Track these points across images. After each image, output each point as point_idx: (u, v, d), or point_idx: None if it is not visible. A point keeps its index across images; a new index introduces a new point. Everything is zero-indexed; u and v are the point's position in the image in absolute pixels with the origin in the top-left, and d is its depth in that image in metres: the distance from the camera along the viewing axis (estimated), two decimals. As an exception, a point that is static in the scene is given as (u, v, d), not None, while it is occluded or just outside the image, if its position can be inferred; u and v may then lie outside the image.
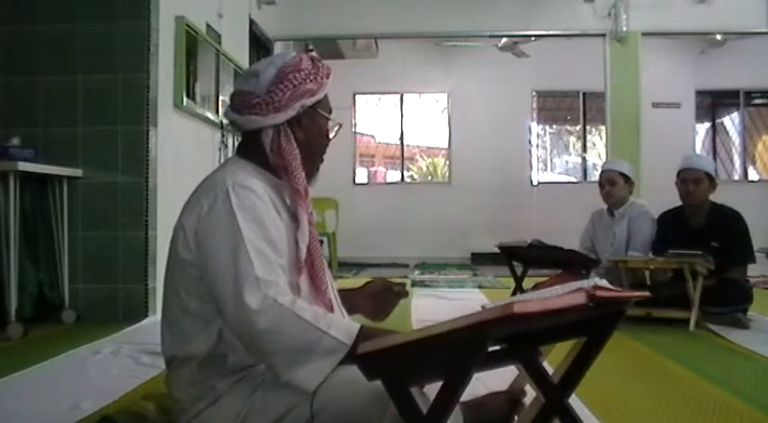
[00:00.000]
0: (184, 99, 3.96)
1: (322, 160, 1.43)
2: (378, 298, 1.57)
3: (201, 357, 1.24)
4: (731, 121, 9.37)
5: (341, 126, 1.45)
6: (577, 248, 3.86)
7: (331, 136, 1.43)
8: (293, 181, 1.31)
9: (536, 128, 9.34)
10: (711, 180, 3.48)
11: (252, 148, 1.35)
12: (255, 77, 1.33)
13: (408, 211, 8.65)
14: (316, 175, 1.42)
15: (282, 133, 1.32)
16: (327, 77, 1.37)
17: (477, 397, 1.49)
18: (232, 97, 1.38)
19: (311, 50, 7.56)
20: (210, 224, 1.22)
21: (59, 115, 3.57)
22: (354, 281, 5.76)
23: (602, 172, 3.97)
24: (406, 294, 1.59)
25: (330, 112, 1.42)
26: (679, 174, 3.55)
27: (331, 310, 1.30)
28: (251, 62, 5.51)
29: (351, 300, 1.55)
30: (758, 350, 2.75)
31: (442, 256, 8.10)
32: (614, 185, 3.81)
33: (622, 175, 3.82)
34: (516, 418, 1.46)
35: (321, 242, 1.47)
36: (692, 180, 3.47)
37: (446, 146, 9.31)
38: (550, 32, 6.78)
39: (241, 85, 1.36)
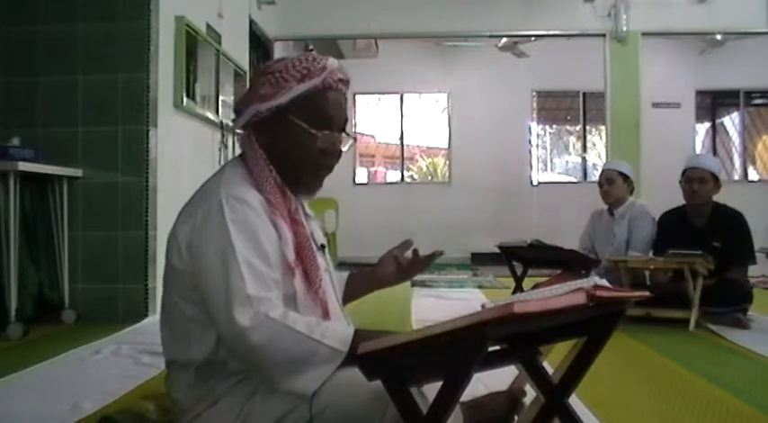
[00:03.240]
0: (184, 99, 3.96)
1: (320, 173, 1.33)
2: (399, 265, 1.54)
3: (201, 362, 1.24)
4: (731, 121, 9.37)
5: (343, 132, 1.33)
6: (577, 249, 3.86)
7: (334, 141, 1.31)
8: (261, 190, 1.26)
9: (536, 128, 9.34)
10: (716, 180, 3.48)
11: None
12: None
13: (408, 211, 8.65)
14: (308, 185, 1.34)
15: (247, 138, 1.32)
16: (302, 81, 1.25)
17: (477, 397, 1.49)
18: None
19: (311, 50, 7.56)
20: (203, 237, 1.20)
21: (59, 115, 3.57)
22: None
23: (602, 171, 3.99)
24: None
25: (327, 122, 1.29)
26: (684, 173, 3.55)
27: (326, 309, 1.28)
28: (251, 62, 5.52)
29: (372, 272, 1.55)
30: (758, 350, 2.76)
31: (441, 256, 8.08)
32: (612, 184, 3.81)
33: (621, 174, 3.83)
34: (516, 418, 1.46)
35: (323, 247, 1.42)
36: (697, 179, 3.47)
37: (446, 146, 9.31)
38: (550, 32, 6.78)
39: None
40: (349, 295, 1.56)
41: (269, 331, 1.10)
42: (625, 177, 3.83)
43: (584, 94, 9.04)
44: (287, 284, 1.23)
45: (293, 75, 1.26)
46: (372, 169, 10.05)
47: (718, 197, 3.57)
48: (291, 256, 1.24)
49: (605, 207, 3.94)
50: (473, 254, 8.24)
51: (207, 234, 1.20)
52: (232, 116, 1.37)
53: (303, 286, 1.26)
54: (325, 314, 1.27)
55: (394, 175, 9.68)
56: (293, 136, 1.28)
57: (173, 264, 1.25)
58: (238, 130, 1.35)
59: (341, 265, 7.00)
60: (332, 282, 1.41)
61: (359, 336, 1.14)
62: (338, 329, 1.17)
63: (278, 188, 1.28)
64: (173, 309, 1.28)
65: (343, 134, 1.34)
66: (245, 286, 1.12)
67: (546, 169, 9.74)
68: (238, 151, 1.39)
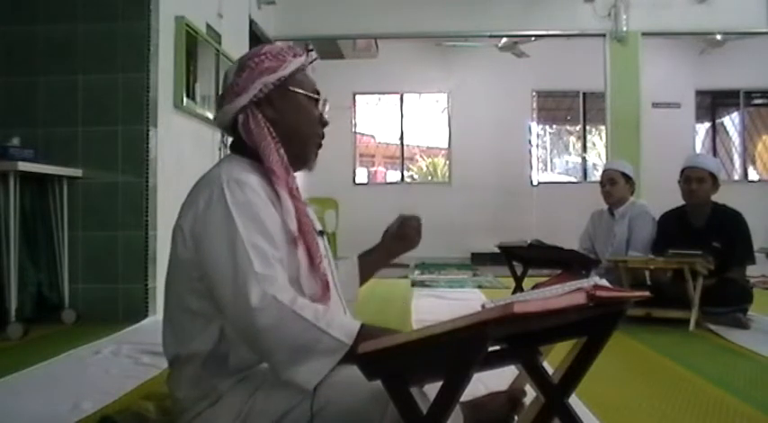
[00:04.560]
0: (184, 99, 3.96)
1: (319, 144, 1.41)
2: (401, 236, 1.68)
3: (204, 356, 1.24)
4: (731, 121, 9.38)
5: (326, 101, 1.42)
6: (577, 249, 3.85)
7: (321, 112, 1.40)
8: (266, 160, 1.29)
9: (536, 128, 9.35)
10: (715, 180, 3.48)
11: (241, 144, 1.35)
12: (226, 76, 1.39)
13: (408, 211, 8.63)
14: (310, 158, 1.40)
15: (251, 115, 1.32)
16: (295, 56, 1.36)
17: (477, 397, 1.49)
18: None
19: (311, 50, 7.54)
20: (207, 222, 1.21)
21: (59, 115, 3.57)
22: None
23: (604, 171, 3.98)
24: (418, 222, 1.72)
25: (316, 92, 1.39)
26: (683, 172, 3.55)
27: (326, 286, 1.29)
28: (251, 62, 5.50)
29: (378, 251, 1.69)
30: (758, 350, 2.75)
31: (442, 256, 8.09)
32: (615, 185, 3.81)
33: (623, 174, 3.82)
34: (516, 418, 1.46)
35: (321, 232, 1.45)
36: (695, 179, 3.47)
37: (446, 146, 9.31)
38: (550, 32, 6.78)
39: (220, 89, 1.41)
40: (366, 273, 1.66)
41: (276, 315, 1.11)
42: (627, 178, 3.83)
43: (584, 94, 9.04)
44: (291, 258, 1.24)
45: (287, 52, 1.36)
46: (372, 169, 10.04)
47: (719, 197, 3.56)
48: (294, 226, 1.26)
49: (605, 207, 3.93)
50: (473, 254, 8.25)
51: (210, 219, 1.21)
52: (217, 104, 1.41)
53: (306, 260, 1.27)
54: (325, 291, 1.28)
55: (394, 175, 9.68)
56: (297, 105, 1.36)
57: (178, 255, 1.26)
58: (236, 110, 1.34)
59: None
60: (331, 267, 1.41)
61: (365, 330, 1.14)
62: (345, 321, 1.17)
63: (281, 162, 1.31)
64: (177, 304, 1.28)
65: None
66: (251, 265, 1.14)
67: (546, 169, 9.74)
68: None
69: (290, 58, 1.35)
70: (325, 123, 1.41)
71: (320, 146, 1.42)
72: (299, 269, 1.25)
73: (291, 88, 1.35)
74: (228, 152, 1.41)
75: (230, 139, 1.43)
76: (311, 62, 1.41)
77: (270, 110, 1.33)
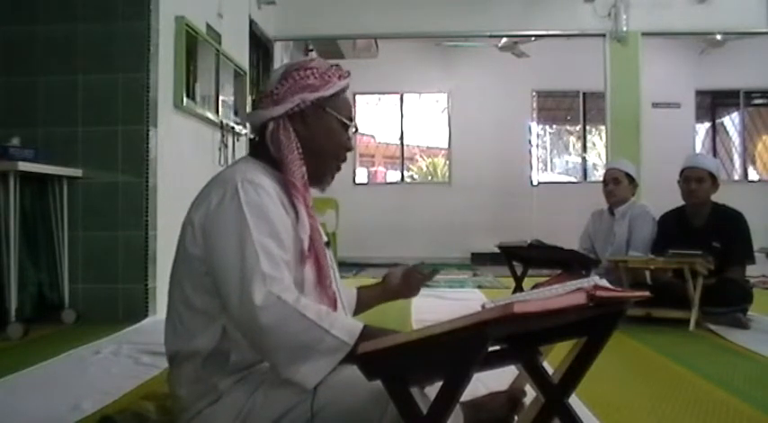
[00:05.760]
0: (184, 99, 3.96)
1: (338, 167, 1.43)
2: (406, 281, 1.71)
3: (205, 353, 1.24)
4: (731, 121, 9.38)
5: (356, 130, 1.45)
6: (577, 249, 3.85)
7: (349, 137, 1.42)
8: (288, 173, 1.31)
9: (536, 128, 9.35)
10: (714, 180, 3.48)
11: (262, 148, 1.36)
12: (269, 78, 1.40)
13: (408, 211, 8.65)
14: (327, 179, 1.42)
15: (282, 126, 1.33)
16: (340, 78, 1.37)
17: (477, 397, 1.49)
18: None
19: (311, 50, 7.56)
20: (218, 219, 1.22)
21: (59, 115, 3.57)
22: (355, 281, 5.76)
23: (608, 170, 3.98)
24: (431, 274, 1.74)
25: (350, 119, 1.41)
26: (682, 172, 3.55)
27: (334, 303, 1.31)
28: (251, 62, 5.52)
29: (377, 290, 1.71)
30: (758, 350, 2.75)
31: (442, 256, 8.09)
32: (618, 185, 3.81)
33: (627, 175, 3.83)
34: (516, 418, 1.46)
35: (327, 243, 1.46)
36: (694, 179, 3.47)
37: (446, 146, 9.32)
38: (550, 32, 6.77)
39: (262, 88, 1.42)
40: (361, 307, 1.67)
41: (279, 314, 1.11)
42: (630, 178, 3.83)
43: (584, 94, 9.04)
44: (297, 271, 1.25)
45: (333, 73, 1.37)
46: (372, 169, 10.05)
47: (719, 197, 3.56)
48: (307, 242, 1.27)
49: (605, 207, 3.94)
50: (473, 254, 8.25)
51: (222, 216, 1.22)
52: (250, 109, 1.42)
53: (313, 276, 1.28)
54: (334, 309, 1.29)
55: (394, 175, 9.68)
56: (328, 127, 1.37)
57: (186, 249, 1.26)
58: (269, 118, 1.35)
59: (341, 265, 6.99)
60: (336, 277, 1.42)
61: (367, 330, 1.14)
62: (347, 321, 1.18)
63: (302, 178, 1.33)
64: (180, 300, 1.29)
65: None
66: (259, 264, 1.15)
67: (546, 169, 9.74)
68: (239, 151, 1.43)
69: (335, 79, 1.36)
70: (349, 149, 1.43)
71: (339, 169, 1.44)
72: (303, 284, 1.26)
73: (328, 109, 1.36)
74: (231, 153, 1.43)
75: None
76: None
77: (301, 125, 1.35)
